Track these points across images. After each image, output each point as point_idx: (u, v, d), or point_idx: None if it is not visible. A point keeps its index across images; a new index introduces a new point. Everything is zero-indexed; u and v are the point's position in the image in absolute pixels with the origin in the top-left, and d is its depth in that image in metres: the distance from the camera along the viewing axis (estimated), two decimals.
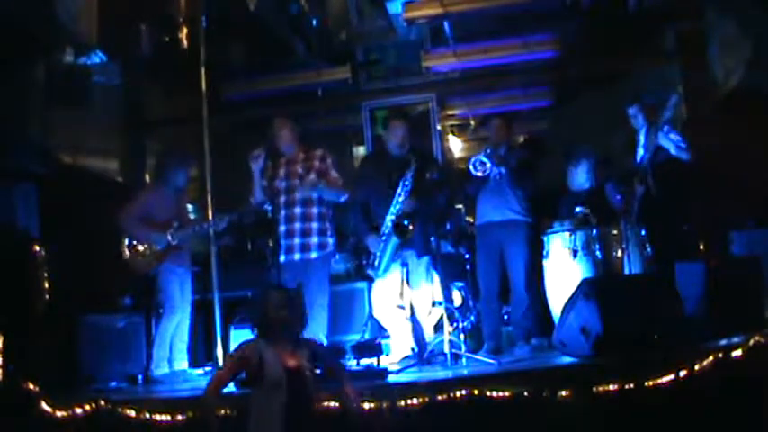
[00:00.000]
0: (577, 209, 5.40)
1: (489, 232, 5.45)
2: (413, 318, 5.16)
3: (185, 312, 5.47)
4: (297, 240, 5.07)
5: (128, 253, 5.42)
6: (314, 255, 5.07)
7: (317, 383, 3.33)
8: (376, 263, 5.11)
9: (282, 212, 5.13)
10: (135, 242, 5.42)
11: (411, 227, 4.97)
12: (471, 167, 5.23)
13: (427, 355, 4.98)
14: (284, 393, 3.24)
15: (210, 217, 5.45)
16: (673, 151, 5.31)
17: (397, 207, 5.04)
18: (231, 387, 4.33)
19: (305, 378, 3.28)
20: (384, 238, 5.06)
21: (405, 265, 5.15)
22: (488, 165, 5.22)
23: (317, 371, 3.39)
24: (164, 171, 5.64)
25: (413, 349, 5.10)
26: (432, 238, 5.21)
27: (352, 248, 6.74)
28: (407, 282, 5.13)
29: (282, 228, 5.11)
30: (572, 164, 5.73)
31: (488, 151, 5.28)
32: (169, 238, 5.36)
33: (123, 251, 5.42)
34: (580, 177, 5.67)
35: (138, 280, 5.61)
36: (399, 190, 5.04)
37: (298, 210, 5.10)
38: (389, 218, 5.05)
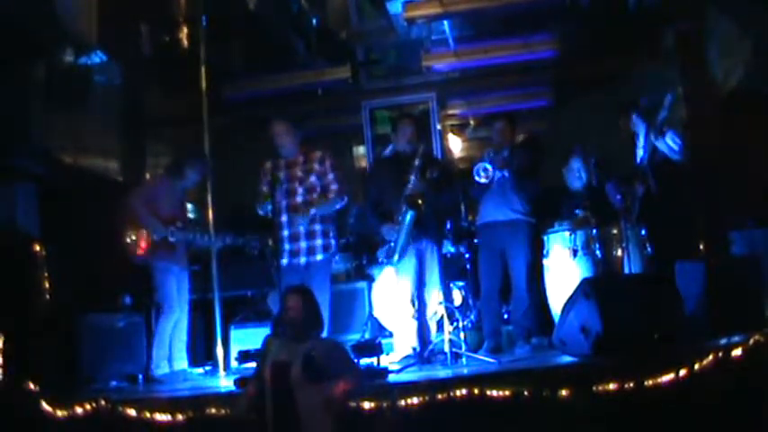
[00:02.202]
0: (577, 211, 5.41)
1: (491, 232, 5.46)
2: (419, 316, 5.17)
3: (183, 311, 5.47)
4: (303, 244, 5.07)
5: (126, 238, 5.41)
6: (319, 257, 5.07)
7: (309, 382, 3.33)
8: (391, 250, 5.11)
9: (284, 217, 5.11)
10: (134, 228, 5.41)
11: (421, 200, 4.97)
12: (475, 175, 5.26)
13: (428, 354, 4.99)
14: (269, 388, 3.31)
15: (212, 225, 5.58)
16: (667, 152, 5.34)
17: (409, 187, 5.06)
18: (231, 386, 4.36)
19: (289, 375, 3.32)
20: (399, 223, 5.06)
21: (419, 259, 5.17)
22: (491, 171, 5.25)
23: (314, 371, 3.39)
24: (182, 166, 5.63)
25: (414, 348, 5.12)
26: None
27: (352, 248, 6.77)
28: (420, 278, 5.18)
29: (286, 232, 5.09)
30: (565, 164, 5.75)
31: (491, 155, 5.32)
32: (169, 233, 5.35)
33: (124, 236, 5.41)
34: (574, 176, 5.68)
35: (138, 279, 5.61)
36: (410, 176, 5.07)
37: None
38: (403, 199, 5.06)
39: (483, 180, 5.26)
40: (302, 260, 5.05)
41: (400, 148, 5.36)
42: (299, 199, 5.13)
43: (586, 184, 5.65)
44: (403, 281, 5.22)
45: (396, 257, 5.12)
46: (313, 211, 5.06)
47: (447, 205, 5.57)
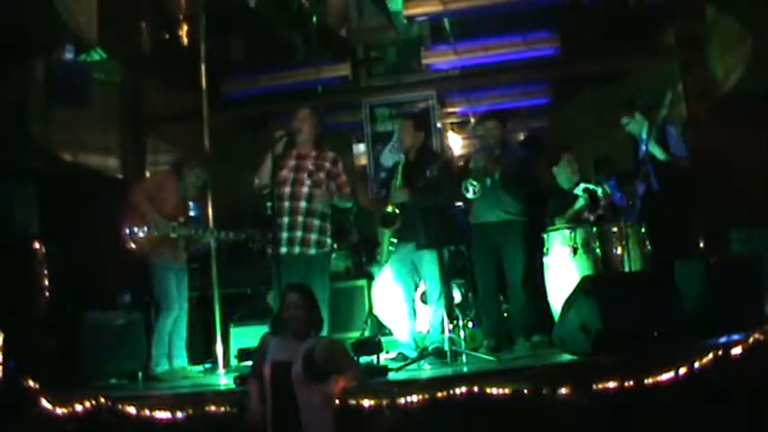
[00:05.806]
0: (577, 208, 5.42)
1: (485, 232, 5.48)
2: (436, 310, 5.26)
3: (183, 309, 5.46)
4: (299, 233, 5.06)
5: (127, 237, 5.40)
6: (312, 251, 5.07)
7: (309, 381, 3.32)
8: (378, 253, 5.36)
9: (286, 203, 5.10)
10: (134, 227, 5.39)
11: (396, 219, 5.13)
12: (464, 191, 5.24)
13: (422, 351, 5.08)
14: (269, 387, 3.31)
15: (212, 222, 5.58)
16: (658, 156, 5.35)
17: (391, 198, 5.24)
18: (231, 384, 4.36)
19: (288, 374, 3.32)
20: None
21: (410, 262, 5.29)
22: (478, 186, 5.21)
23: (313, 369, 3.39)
24: (185, 167, 5.62)
25: (406, 345, 5.25)
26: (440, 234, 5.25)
27: (352, 246, 6.77)
28: (414, 279, 5.35)
29: (285, 219, 5.06)
30: (555, 163, 5.75)
31: (480, 165, 5.34)
32: (170, 229, 5.35)
33: (125, 230, 5.38)
34: (564, 175, 5.68)
35: (137, 276, 5.61)
36: (393, 182, 5.25)
37: (303, 204, 5.08)
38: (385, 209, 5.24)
39: (471, 195, 5.23)
40: (296, 250, 5.04)
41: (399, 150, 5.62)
42: (304, 190, 5.12)
43: (574, 182, 5.64)
44: (395, 283, 5.36)
45: (383, 259, 5.32)
46: (335, 199, 5.15)
47: (442, 204, 5.46)
